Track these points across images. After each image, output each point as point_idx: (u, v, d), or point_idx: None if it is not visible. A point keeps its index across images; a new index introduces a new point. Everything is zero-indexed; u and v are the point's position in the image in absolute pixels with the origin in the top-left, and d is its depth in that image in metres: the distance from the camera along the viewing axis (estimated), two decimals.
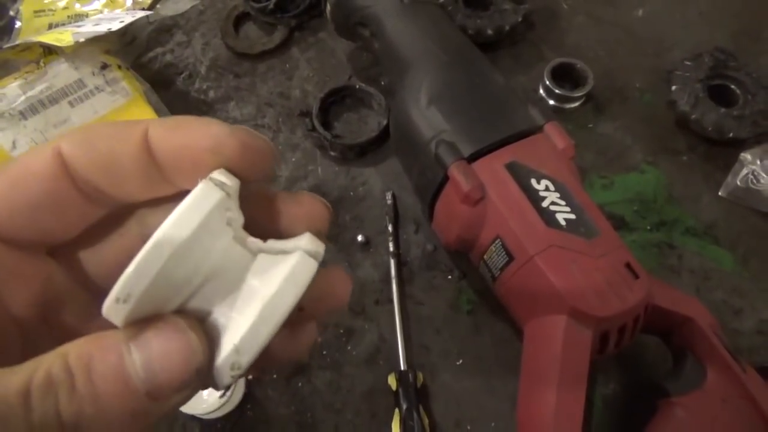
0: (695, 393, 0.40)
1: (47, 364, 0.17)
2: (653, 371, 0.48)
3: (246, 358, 0.19)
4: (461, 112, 0.47)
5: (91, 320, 0.21)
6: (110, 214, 0.21)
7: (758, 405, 0.39)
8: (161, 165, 0.20)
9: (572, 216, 0.42)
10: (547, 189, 0.43)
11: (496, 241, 0.43)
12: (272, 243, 0.21)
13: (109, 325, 0.18)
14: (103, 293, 0.17)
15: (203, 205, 0.18)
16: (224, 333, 0.19)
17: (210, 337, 0.19)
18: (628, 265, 0.41)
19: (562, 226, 0.41)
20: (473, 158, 0.44)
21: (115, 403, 0.17)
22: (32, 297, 0.20)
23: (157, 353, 0.18)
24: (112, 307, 0.17)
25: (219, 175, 0.19)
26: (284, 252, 0.20)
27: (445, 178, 0.45)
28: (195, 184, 0.19)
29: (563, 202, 0.42)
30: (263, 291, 0.19)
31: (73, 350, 0.17)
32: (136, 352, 0.17)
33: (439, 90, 0.48)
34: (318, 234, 0.22)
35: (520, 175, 0.43)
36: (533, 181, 0.43)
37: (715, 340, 0.41)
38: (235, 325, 0.19)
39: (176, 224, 0.18)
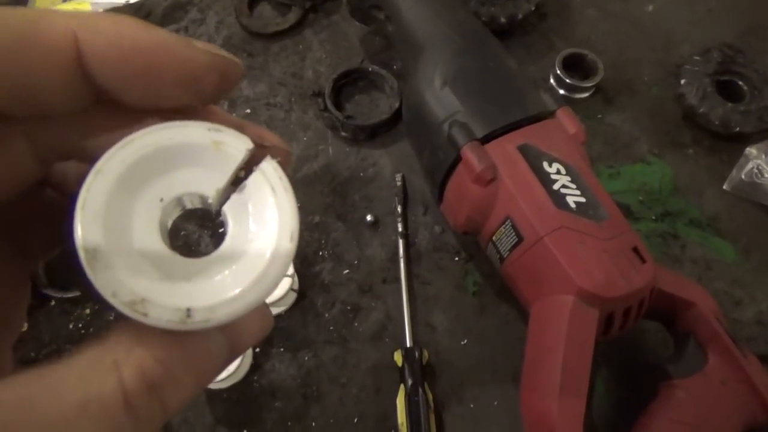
0: (696, 376, 0.41)
1: (134, 361, 0.16)
2: (654, 356, 0.49)
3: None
4: (475, 94, 0.47)
5: None
6: None
7: (757, 388, 0.40)
8: (97, 80, 0.17)
9: (582, 199, 0.43)
10: (558, 172, 0.43)
11: (506, 222, 0.44)
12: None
13: None
14: None
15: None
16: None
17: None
18: (635, 249, 0.41)
19: (572, 208, 0.42)
20: (486, 140, 0.45)
21: (210, 376, 0.18)
22: None
23: (239, 330, 0.19)
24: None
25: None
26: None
27: (457, 159, 0.45)
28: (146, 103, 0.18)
29: (574, 186, 0.43)
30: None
31: (157, 343, 0.16)
32: (221, 337, 0.18)
33: (453, 72, 0.49)
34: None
35: (532, 157, 0.44)
36: (545, 164, 0.44)
37: (717, 325, 0.42)
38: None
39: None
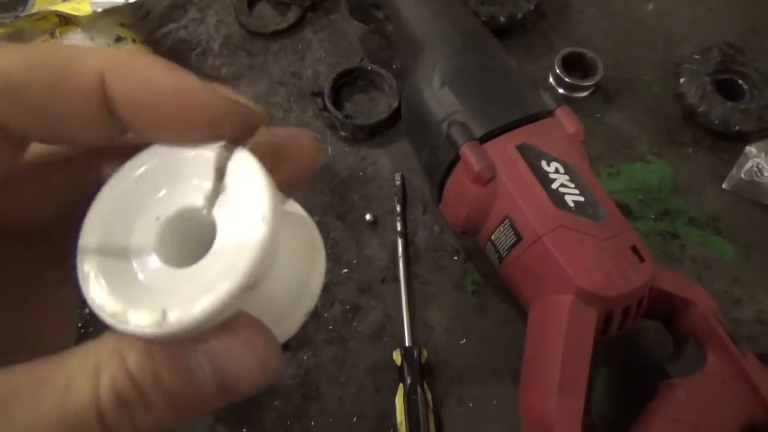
0: (696, 375, 0.41)
1: (109, 373, 0.16)
2: (653, 356, 0.49)
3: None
4: (474, 93, 0.47)
5: None
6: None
7: (756, 387, 0.40)
8: (121, 119, 0.18)
9: (581, 198, 0.42)
10: (557, 171, 0.43)
11: (505, 221, 0.44)
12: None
13: None
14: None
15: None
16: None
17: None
18: (634, 248, 0.41)
19: (570, 207, 0.42)
20: (485, 139, 0.45)
21: (191, 407, 0.17)
22: None
23: (226, 358, 0.17)
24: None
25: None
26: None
27: (456, 158, 0.45)
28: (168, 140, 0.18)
29: (572, 185, 0.43)
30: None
31: (132, 357, 0.16)
32: (204, 360, 0.17)
33: (452, 72, 0.49)
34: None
35: (531, 156, 0.44)
36: (543, 163, 0.44)
37: (716, 325, 0.42)
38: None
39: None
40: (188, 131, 0.18)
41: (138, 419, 0.16)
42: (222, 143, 0.18)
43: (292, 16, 0.67)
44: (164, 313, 0.16)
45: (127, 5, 0.56)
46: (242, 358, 0.17)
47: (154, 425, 0.16)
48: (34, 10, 0.60)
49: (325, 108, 0.60)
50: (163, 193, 0.18)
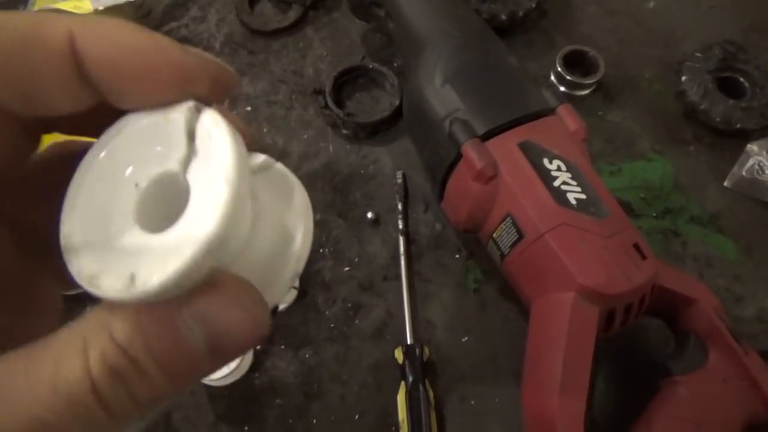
0: (698, 372, 0.41)
1: (98, 346, 0.16)
2: (654, 353, 0.49)
3: None
4: (476, 91, 0.47)
5: None
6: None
7: (758, 385, 0.40)
8: (94, 82, 0.18)
9: (583, 196, 0.42)
10: (558, 169, 0.43)
11: (507, 219, 0.44)
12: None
13: None
14: None
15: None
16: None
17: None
18: (636, 246, 0.41)
19: (572, 205, 0.42)
20: (487, 137, 0.45)
21: (185, 372, 0.17)
22: None
23: (215, 317, 0.17)
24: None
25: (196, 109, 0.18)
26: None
27: (458, 156, 0.45)
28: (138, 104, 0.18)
29: (574, 182, 0.43)
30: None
31: (119, 326, 0.16)
32: (193, 321, 0.16)
33: (454, 69, 0.49)
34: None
35: (533, 154, 0.44)
36: (545, 161, 0.44)
37: (718, 322, 0.42)
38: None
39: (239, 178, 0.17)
40: (161, 89, 0.18)
41: (134, 388, 0.16)
42: (191, 103, 0.18)
43: (293, 14, 0.67)
44: (133, 277, 0.16)
45: (128, 3, 0.56)
46: (231, 316, 0.17)
47: (151, 394, 0.16)
48: (35, 8, 0.60)
49: (326, 106, 0.60)
50: (140, 160, 0.18)
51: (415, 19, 0.54)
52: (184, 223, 0.17)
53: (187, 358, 0.17)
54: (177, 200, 0.17)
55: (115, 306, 0.16)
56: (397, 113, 0.60)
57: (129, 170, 0.18)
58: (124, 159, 0.18)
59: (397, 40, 0.58)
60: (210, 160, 0.17)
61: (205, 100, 0.18)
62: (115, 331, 0.16)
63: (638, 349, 0.49)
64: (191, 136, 0.18)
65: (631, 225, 0.42)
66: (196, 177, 0.18)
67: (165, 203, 0.18)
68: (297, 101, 0.63)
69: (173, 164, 0.18)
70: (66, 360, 0.15)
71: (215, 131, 0.18)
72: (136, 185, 0.18)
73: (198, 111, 0.18)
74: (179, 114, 0.18)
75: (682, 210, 0.56)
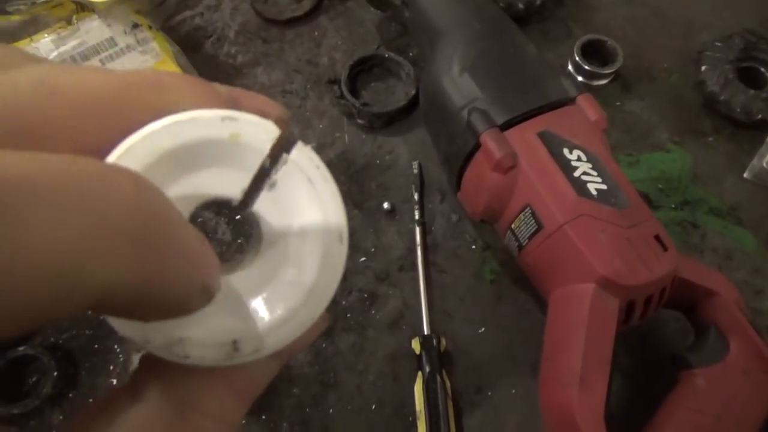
0: (717, 365, 0.41)
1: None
2: (672, 347, 0.49)
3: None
4: (494, 80, 0.47)
5: None
6: None
7: None
8: None
9: (603, 186, 0.42)
10: (579, 159, 0.43)
11: (526, 210, 0.43)
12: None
13: None
14: None
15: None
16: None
17: None
18: (657, 237, 0.41)
19: (593, 195, 0.42)
20: (506, 126, 0.44)
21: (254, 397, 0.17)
22: None
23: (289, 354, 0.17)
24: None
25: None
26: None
27: (477, 146, 0.45)
28: None
29: (595, 173, 0.43)
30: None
31: (207, 401, 0.16)
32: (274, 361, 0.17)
33: (472, 58, 0.48)
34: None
35: (553, 144, 0.43)
36: (565, 151, 0.43)
37: (740, 315, 0.42)
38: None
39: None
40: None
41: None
42: (275, 134, 0.16)
43: (307, 3, 0.67)
44: (236, 344, 0.14)
45: None
46: (298, 347, 0.17)
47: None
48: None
49: (341, 96, 0.60)
50: (184, 179, 0.16)
51: (431, 7, 0.54)
52: (274, 273, 0.15)
53: (260, 386, 0.17)
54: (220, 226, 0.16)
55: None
56: (412, 103, 0.59)
57: (171, 190, 0.15)
58: (165, 176, 0.15)
59: (412, 28, 0.58)
60: (310, 208, 0.16)
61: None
62: (205, 402, 0.15)
63: (656, 341, 0.49)
64: (269, 166, 0.16)
65: (652, 216, 0.42)
66: (275, 216, 0.16)
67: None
68: (312, 91, 0.62)
69: (231, 191, 0.16)
70: None
71: (320, 179, 0.16)
72: (186, 201, 0.16)
73: (284, 140, 0.16)
74: (259, 142, 0.15)
75: (700, 201, 0.55)
